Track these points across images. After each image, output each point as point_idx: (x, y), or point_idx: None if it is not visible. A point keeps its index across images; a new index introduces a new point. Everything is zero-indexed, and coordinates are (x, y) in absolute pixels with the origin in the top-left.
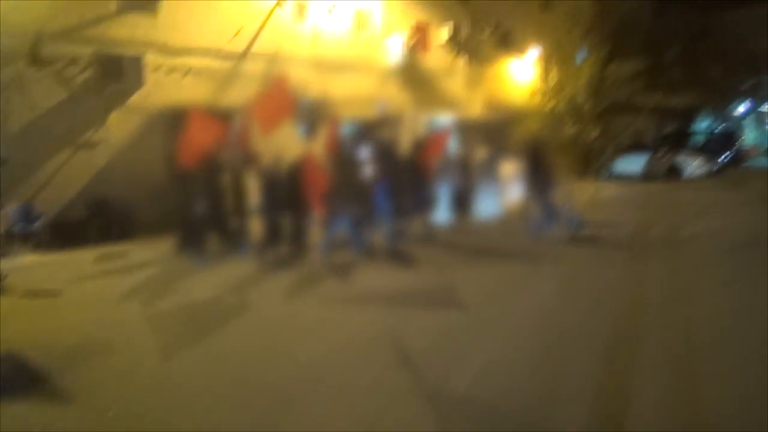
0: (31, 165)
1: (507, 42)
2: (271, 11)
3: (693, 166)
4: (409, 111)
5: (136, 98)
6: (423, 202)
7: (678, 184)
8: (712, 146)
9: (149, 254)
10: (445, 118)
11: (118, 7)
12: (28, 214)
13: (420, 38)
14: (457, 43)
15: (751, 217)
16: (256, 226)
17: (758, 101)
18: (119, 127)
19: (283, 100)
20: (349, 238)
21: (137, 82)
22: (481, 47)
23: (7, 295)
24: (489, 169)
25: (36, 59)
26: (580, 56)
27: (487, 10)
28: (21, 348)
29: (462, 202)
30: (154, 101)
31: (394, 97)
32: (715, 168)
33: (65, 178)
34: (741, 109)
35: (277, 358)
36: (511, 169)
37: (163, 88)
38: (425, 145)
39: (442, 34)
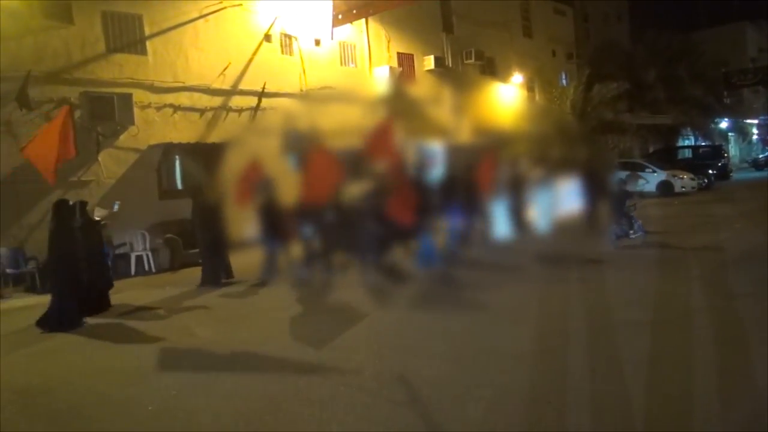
0: (20, 208)
1: (491, 69)
2: (258, 46)
3: (683, 181)
4: (399, 139)
5: (126, 136)
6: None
7: (671, 199)
8: (700, 161)
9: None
10: (435, 145)
11: (107, 48)
12: (18, 257)
13: (406, 68)
14: (442, 72)
15: (748, 229)
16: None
17: (740, 116)
18: (110, 165)
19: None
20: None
21: (127, 121)
22: (466, 74)
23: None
24: (545, 185)
25: (24, 102)
26: (564, 80)
27: (470, 39)
28: None
29: (518, 216)
30: (144, 138)
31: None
32: (705, 182)
33: None
34: (724, 124)
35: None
36: (566, 185)
37: (153, 125)
38: (480, 165)
39: (427, 63)
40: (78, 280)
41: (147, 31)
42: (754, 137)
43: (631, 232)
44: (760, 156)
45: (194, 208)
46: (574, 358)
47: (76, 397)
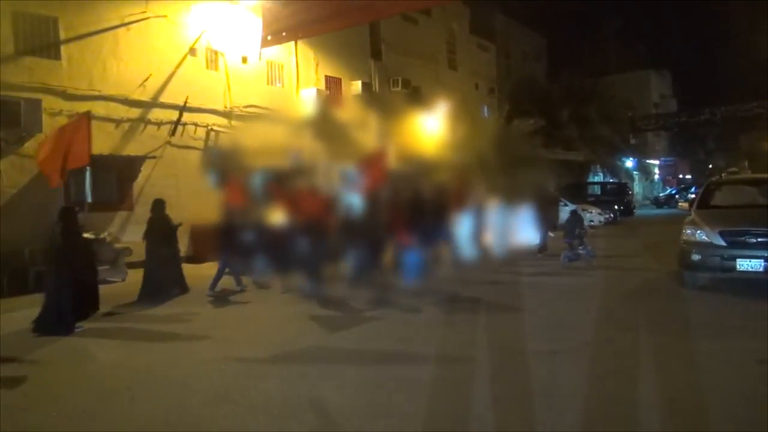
0: None
1: (417, 97)
2: (183, 59)
3: (592, 215)
4: (323, 162)
5: (32, 144)
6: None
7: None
8: (607, 197)
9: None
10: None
11: (16, 49)
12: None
13: (333, 91)
14: (369, 97)
15: (647, 263)
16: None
17: (643, 156)
18: (13, 173)
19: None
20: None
21: (34, 128)
22: (392, 101)
23: None
24: (503, 213)
25: None
26: (485, 113)
27: (397, 68)
28: None
29: (479, 240)
30: None
31: (308, 148)
32: (611, 217)
33: None
34: (629, 163)
35: None
36: (523, 213)
37: None
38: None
39: (354, 87)
40: (75, 284)
41: (63, 35)
42: (656, 177)
43: (583, 254)
44: (661, 195)
45: (152, 219)
46: (478, 386)
47: None
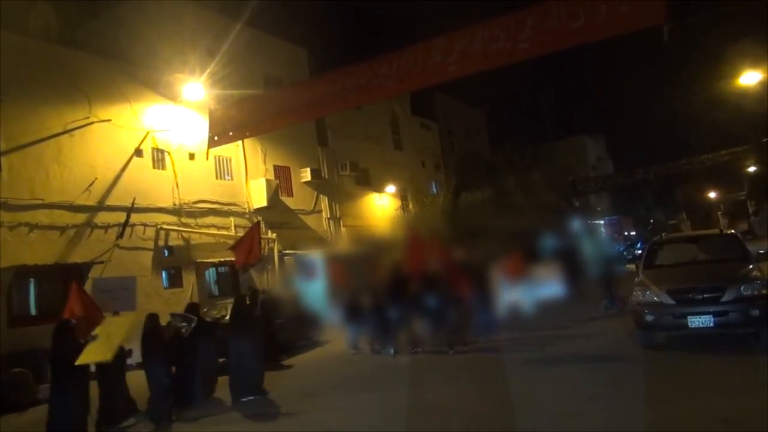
0: None
1: (366, 179)
2: (128, 161)
3: None
4: (277, 250)
5: None
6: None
7: None
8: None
9: None
10: (312, 254)
11: None
12: None
13: (282, 180)
14: (318, 183)
15: (605, 328)
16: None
17: (589, 217)
18: None
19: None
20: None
21: None
22: (342, 185)
23: None
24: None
25: None
26: (434, 188)
27: (344, 152)
28: None
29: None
30: None
31: (262, 237)
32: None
33: None
34: (576, 225)
35: None
36: (546, 273)
37: (5, 246)
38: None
39: (304, 175)
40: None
41: (3, 146)
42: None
43: (616, 304)
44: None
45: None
46: None
47: None
